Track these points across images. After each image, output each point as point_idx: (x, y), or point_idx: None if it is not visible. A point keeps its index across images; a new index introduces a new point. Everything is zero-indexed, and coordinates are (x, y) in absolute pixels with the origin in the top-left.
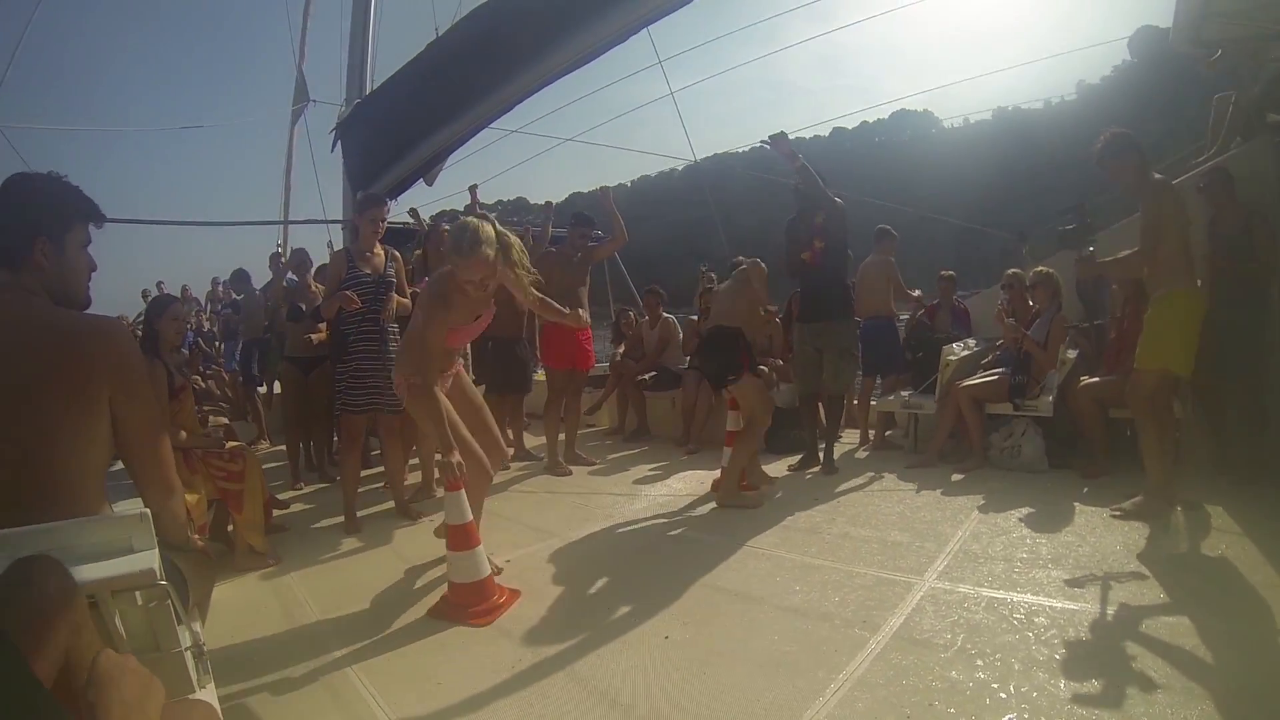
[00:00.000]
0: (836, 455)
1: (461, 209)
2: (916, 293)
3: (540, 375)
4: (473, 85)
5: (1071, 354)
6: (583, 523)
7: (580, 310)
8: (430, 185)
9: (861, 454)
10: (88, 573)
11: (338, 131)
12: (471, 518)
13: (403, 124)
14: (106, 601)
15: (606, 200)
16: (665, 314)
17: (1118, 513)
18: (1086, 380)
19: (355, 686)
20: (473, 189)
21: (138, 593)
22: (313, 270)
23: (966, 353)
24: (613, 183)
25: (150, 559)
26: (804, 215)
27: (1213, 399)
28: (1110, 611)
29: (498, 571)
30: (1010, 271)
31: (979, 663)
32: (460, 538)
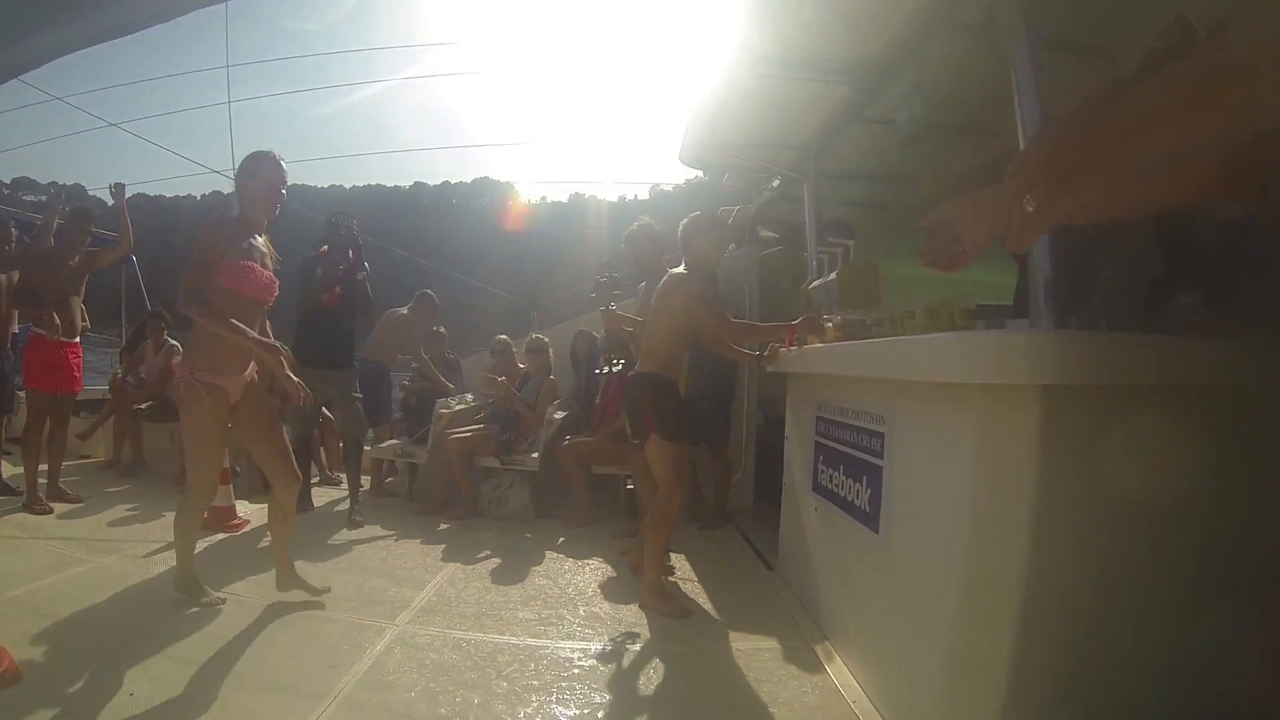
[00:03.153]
0: (326, 501)
1: None
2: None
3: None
4: None
5: (559, 415)
6: (56, 568)
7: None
8: None
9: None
10: None
11: None
12: None
13: None
14: None
15: (118, 199)
16: (169, 339)
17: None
18: (571, 439)
19: None
20: None
21: None
22: None
23: (461, 407)
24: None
25: None
26: (333, 255)
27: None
28: (570, 646)
29: None
30: (498, 338)
31: (441, 698)
32: None
